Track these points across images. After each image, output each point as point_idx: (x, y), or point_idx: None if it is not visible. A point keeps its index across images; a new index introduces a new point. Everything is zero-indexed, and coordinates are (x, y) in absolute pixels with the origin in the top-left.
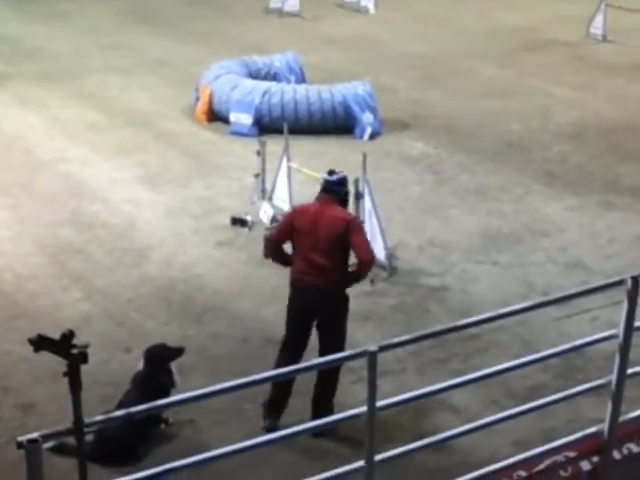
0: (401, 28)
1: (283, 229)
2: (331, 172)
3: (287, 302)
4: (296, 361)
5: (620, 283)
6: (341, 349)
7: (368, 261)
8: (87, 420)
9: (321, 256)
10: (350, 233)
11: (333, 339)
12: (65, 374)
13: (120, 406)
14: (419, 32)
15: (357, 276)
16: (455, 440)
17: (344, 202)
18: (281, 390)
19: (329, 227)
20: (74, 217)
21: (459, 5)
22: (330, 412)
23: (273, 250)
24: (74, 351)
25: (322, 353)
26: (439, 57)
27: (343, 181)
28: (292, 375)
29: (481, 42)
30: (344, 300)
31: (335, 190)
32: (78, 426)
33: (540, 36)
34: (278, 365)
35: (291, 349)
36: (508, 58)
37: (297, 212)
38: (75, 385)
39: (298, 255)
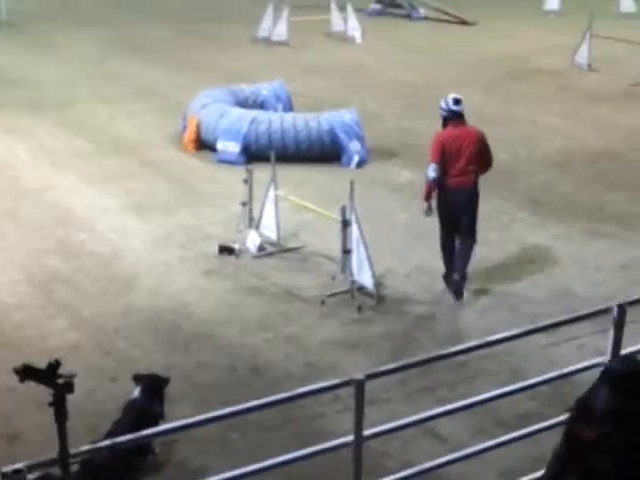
0: (388, 57)
1: (439, 155)
2: (457, 101)
3: (437, 203)
4: (453, 238)
5: (606, 311)
6: (475, 228)
7: (491, 165)
8: (73, 450)
9: (469, 164)
10: (484, 145)
11: (472, 221)
12: (51, 404)
13: (109, 436)
14: (406, 61)
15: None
16: (442, 469)
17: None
18: (449, 263)
19: (473, 143)
20: (60, 245)
21: (446, 34)
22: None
23: (439, 170)
24: (60, 381)
25: (463, 232)
26: (426, 85)
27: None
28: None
29: (468, 71)
30: (478, 194)
31: (462, 114)
32: (63, 456)
33: (526, 65)
34: (443, 242)
35: (447, 232)
36: (494, 87)
37: (444, 138)
38: (61, 415)
39: (450, 167)
